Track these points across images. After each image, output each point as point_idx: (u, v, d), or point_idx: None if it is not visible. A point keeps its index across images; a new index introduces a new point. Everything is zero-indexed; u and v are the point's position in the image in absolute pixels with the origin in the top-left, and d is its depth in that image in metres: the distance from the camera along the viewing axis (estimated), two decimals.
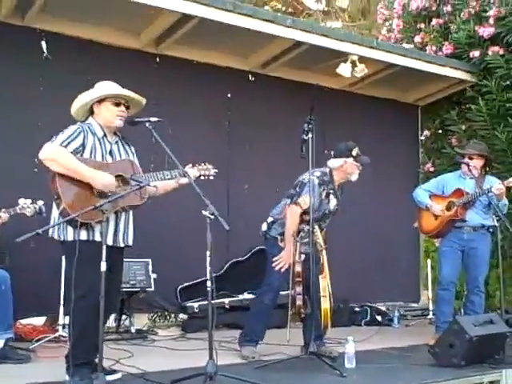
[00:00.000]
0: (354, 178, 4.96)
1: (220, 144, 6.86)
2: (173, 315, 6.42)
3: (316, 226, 4.64)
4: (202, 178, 4.25)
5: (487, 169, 5.84)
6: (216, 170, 4.37)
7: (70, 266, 3.79)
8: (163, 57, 6.60)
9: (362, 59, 6.81)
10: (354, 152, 4.88)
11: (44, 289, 5.55)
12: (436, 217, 5.71)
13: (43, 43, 5.86)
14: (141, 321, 6.15)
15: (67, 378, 3.75)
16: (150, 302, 6.19)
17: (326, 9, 15.87)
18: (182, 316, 6.50)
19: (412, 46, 8.16)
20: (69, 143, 3.73)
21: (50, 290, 5.52)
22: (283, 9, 17.00)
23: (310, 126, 4.60)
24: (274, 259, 4.81)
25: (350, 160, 4.88)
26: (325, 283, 4.62)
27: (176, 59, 6.66)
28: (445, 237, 5.70)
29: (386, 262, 7.88)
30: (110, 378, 3.81)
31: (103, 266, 3.36)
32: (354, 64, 6.81)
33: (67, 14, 5.86)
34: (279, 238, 4.89)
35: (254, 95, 7.16)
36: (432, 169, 8.27)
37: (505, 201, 5.55)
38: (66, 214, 3.64)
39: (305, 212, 4.74)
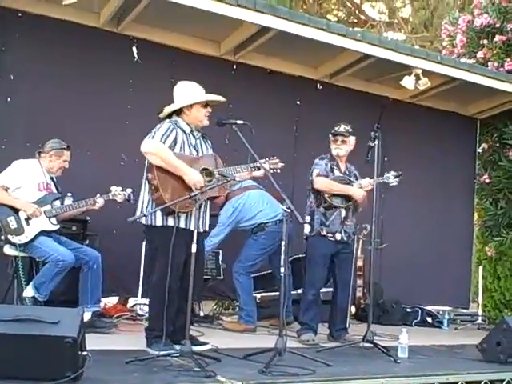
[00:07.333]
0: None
1: (287, 148, 7.14)
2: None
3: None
4: (272, 171, 4.68)
5: None
6: (283, 164, 4.82)
7: (155, 249, 4.26)
8: (240, 64, 7.01)
9: (425, 72, 6.97)
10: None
11: (122, 272, 6.01)
12: None
13: (134, 49, 6.36)
14: (207, 307, 6.56)
15: (149, 350, 4.15)
16: (216, 290, 6.62)
17: (388, 20, 16.12)
18: None
19: (474, 61, 8.27)
20: (166, 139, 4.18)
21: (127, 274, 6.03)
22: (344, 18, 17.30)
23: (377, 134, 5.00)
24: None
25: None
26: None
27: (251, 67, 7.06)
28: None
29: (438, 267, 8.07)
30: (199, 348, 4.18)
31: (194, 248, 3.78)
32: (417, 77, 6.95)
33: (156, 23, 6.35)
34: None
35: (321, 103, 7.45)
36: (488, 180, 8.38)
37: None
38: (161, 202, 4.07)
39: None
